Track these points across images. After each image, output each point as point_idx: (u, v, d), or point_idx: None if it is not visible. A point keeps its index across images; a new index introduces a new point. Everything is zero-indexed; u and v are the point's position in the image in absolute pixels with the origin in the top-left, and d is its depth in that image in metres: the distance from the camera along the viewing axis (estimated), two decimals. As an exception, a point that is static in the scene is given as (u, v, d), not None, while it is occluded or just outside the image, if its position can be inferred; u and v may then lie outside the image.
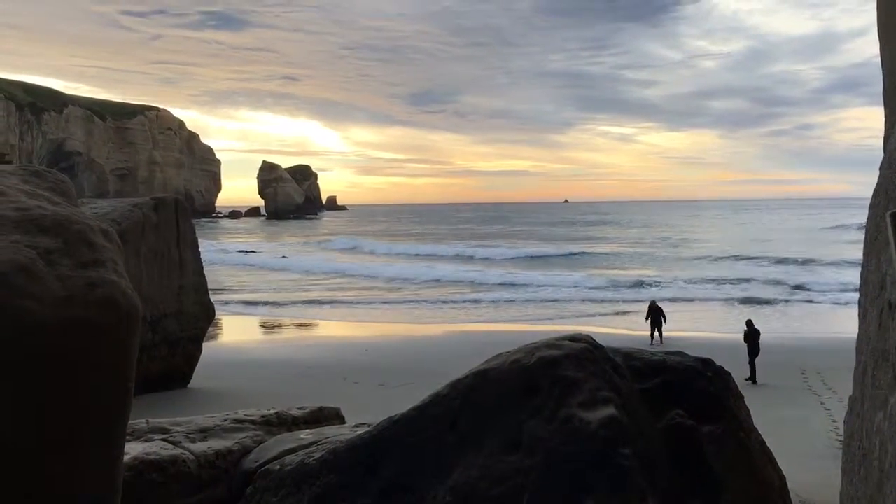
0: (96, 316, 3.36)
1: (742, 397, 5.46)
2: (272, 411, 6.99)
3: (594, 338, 5.00)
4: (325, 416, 7.17)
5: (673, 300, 33.25)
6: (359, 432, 5.55)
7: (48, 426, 3.21)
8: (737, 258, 56.11)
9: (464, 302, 36.90)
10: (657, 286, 40.38)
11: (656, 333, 23.05)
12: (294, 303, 37.37)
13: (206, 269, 20.02)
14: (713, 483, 4.71)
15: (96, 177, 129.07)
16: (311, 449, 5.74)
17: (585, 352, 4.67)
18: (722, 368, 5.38)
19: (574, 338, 4.82)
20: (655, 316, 23.27)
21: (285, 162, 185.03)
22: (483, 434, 4.65)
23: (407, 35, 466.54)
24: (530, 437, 4.43)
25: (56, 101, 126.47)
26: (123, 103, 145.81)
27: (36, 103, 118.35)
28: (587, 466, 4.18)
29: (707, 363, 5.27)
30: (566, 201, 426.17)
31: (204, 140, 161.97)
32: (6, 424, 3.09)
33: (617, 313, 32.45)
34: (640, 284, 41.82)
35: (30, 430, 3.15)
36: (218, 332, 26.41)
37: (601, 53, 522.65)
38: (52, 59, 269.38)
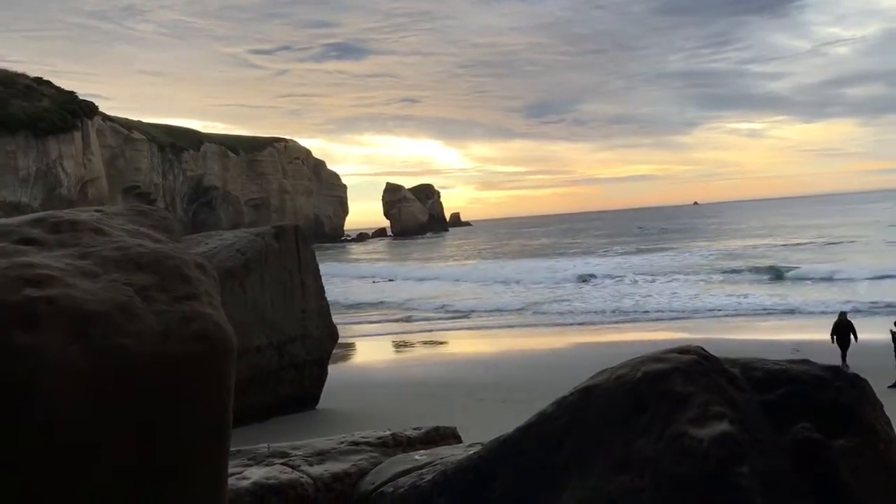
0: (192, 349, 3.44)
1: (881, 406, 5.01)
2: (388, 433, 7.00)
3: (716, 348, 4.71)
4: (441, 436, 7.12)
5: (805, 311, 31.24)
6: (470, 452, 5.48)
7: (152, 466, 3.29)
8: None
9: (588, 313, 36.31)
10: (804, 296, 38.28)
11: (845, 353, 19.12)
12: (419, 322, 37.84)
13: (335, 291, 20.58)
14: (848, 502, 4.33)
15: (233, 209, 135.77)
16: (424, 470, 5.71)
17: (695, 364, 4.40)
18: (856, 375, 4.95)
19: (682, 349, 4.55)
20: (843, 332, 19.18)
21: (408, 182, 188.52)
22: (591, 453, 4.47)
23: (520, 48, 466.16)
24: (639, 457, 4.21)
25: (193, 139, 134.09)
26: (254, 137, 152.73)
27: (176, 143, 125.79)
28: (701, 488, 3.93)
29: (836, 371, 4.87)
30: (695, 203, 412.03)
31: (330, 166, 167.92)
32: (112, 469, 3.19)
33: (750, 323, 31.01)
34: (779, 296, 39.65)
35: (134, 472, 3.24)
36: (344, 353, 27.07)
37: (723, 49, 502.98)
38: (190, 102, 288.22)
